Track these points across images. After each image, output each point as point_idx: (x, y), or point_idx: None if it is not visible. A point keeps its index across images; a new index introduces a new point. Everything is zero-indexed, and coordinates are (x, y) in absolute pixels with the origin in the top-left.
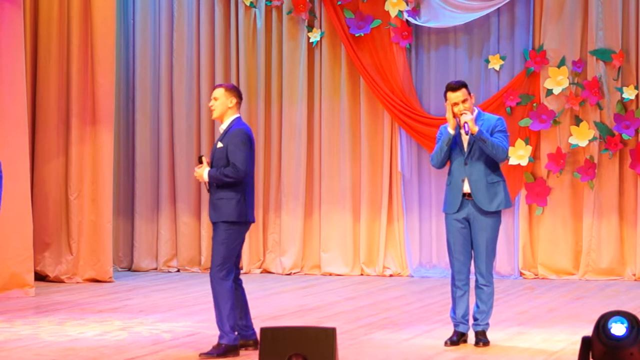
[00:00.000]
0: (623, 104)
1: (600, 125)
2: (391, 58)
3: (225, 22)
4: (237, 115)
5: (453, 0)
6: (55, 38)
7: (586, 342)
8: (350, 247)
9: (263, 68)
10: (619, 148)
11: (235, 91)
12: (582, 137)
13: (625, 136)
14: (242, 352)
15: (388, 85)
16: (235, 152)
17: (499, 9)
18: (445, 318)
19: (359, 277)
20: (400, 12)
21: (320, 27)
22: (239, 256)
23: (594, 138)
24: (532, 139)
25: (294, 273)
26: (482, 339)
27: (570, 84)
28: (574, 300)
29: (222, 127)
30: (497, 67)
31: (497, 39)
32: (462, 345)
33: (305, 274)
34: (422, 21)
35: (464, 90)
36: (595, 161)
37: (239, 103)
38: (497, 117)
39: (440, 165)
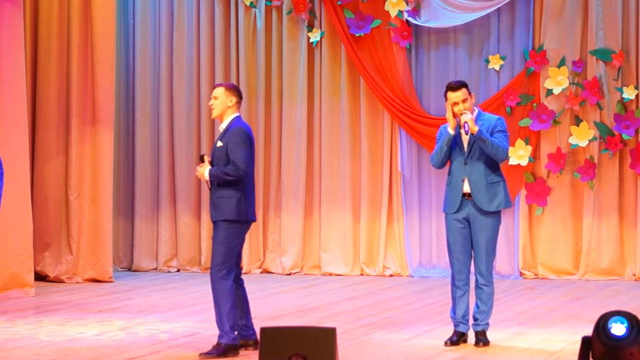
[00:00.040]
0: (623, 104)
1: (600, 125)
2: (391, 58)
3: (225, 22)
4: (237, 114)
5: (453, 0)
6: (55, 38)
7: (586, 342)
8: (350, 247)
9: (263, 68)
10: (619, 148)
11: (235, 90)
12: (582, 137)
13: (625, 136)
14: (242, 352)
15: (388, 85)
16: (236, 151)
17: (499, 9)
18: (445, 318)
19: (359, 277)
20: (400, 12)
21: (320, 27)
22: (239, 256)
23: (594, 138)
24: (532, 139)
25: (294, 273)
26: (482, 339)
27: (570, 84)
28: (574, 300)
29: (222, 126)
30: (497, 67)
31: (497, 39)
32: (462, 345)
33: (305, 274)
34: (422, 21)
35: (464, 90)
36: (595, 161)
37: (238, 102)
38: (497, 117)
39: (441, 166)
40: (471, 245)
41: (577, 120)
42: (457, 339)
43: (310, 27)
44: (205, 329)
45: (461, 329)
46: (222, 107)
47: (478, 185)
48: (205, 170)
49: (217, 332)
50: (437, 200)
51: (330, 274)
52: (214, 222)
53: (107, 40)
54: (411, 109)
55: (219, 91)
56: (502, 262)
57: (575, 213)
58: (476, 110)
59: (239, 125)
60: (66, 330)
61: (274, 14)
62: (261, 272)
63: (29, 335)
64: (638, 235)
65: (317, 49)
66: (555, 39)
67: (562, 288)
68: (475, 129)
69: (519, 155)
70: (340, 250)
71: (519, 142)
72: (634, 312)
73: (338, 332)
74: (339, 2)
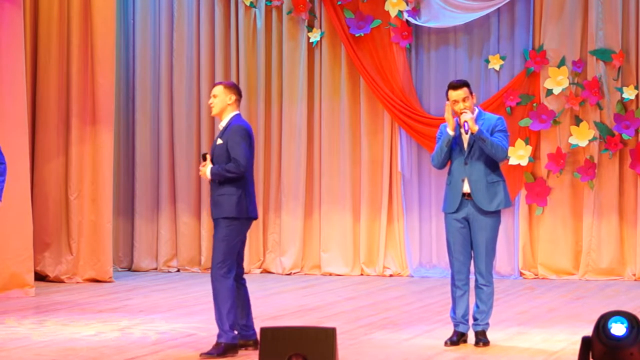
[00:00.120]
0: (623, 104)
1: (600, 125)
2: (391, 58)
3: (225, 22)
4: (237, 112)
5: (453, 0)
6: (55, 38)
7: (586, 342)
8: (350, 247)
9: (263, 68)
10: (619, 148)
11: (234, 88)
12: (582, 137)
13: (625, 136)
14: (242, 352)
15: (388, 85)
16: (236, 148)
17: (499, 9)
18: (445, 318)
19: (359, 277)
20: (400, 12)
21: (320, 27)
22: (241, 255)
23: (594, 138)
24: (532, 139)
25: (294, 273)
26: (482, 339)
27: (570, 84)
28: (574, 300)
29: (222, 124)
30: (497, 67)
31: (497, 39)
32: (462, 345)
33: (305, 274)
34: (422, 21)
35: (465, 89)
36: (595, 161)
37: (238, 100)
38: (498, 116)
39: (441, 166)
40: (471, 245)
41: (577, 120)
42: (457, 339)
43: (310, 27)
44: (205, 329)
45: (461, 329)
46: (222, 105)
47: (478, 185)
48: (207, 169)
49: (217, 331)
50: (437, 200)
51: (330, 274)
52: (215, 220)
53: (107, 40)
54: (411, 109)
55: (218, 89)
56: (502, 262)
57: (575, 213)
58: (477, 110)
59: (239, 122)
60: (66, 330)
61: (274, 14)
62: (261, 272)
63: (29, 335)
64: (638, 235)
65: (317, 49)
66: (555, 39)
67: (562, 288)
68: (475, 128)
69: (519, 155)
70: (340, 250)
71: (519, 142)
72: (634, 312)
73: (338, 332)
74: (339, 2)
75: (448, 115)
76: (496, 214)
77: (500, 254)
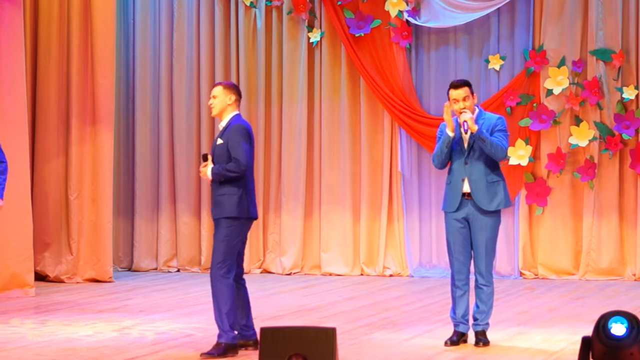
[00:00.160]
0: (623, 104)
1: (600, 125)
2: (391, 58)
3: (225, 22)
4: (237, 112)
5: (453, 0)
6: (55, 38)
7: (586, 342)
8: (350, 247)
9: (263, 68)
10: (619, 148)
11: (234, 88)
12: (582, 137)
13: (625, 136)
14: (242, 352)
15: (388, 85)
16: (236, 147)
17: (499, 9)
18: (445, 318)
19: (359, 277)
20: (400, 12)
21: (320, 27)
22: (241, 255)
23: (594, 138)
24: (532, 139)
25: (294, 273)
26: (482, 339)
27: (570, 84)
28: (574, 300)
29: (222, 124)
30: (497, 67)
31: (497, 39)
32: (462, 345)
33: (305, 274)
34: (422, 21)
35: (466, 88)
36: (595, 161)
37: (238, 100)
38: (498, 116)
39: (442, 166)
40: (471, 245)
41: (577, 120)
42: (457, 339)
43: (310, 27)
44: (205, 329)
45: (461, 329)
46: (222, 105)
47: (478, 185)
48: (208, 170)
49: (217, 331)
50: (437, 200)
51: (330, 274)
52: (216, 220)
53: (107, 40)
54: (411, 109)
55: (218, 90)
56: (502, 262)
57: (575, 213)
58: (477, 110)
59: (239, 122)
60: (66, 330)
61: (274, 14)
62: (261, 272)
63: (29, 335)
64: (638, 235)
65: (317, 49)
66: (555, 39)
67: (562, 288)
68: (475, 127)
69: (519, 155)
70: (340, 250)
71: (519, 142)
72: (634, 312)
73: (338, 332)
74: (339, 2)
75: (447, 116)
76: (496, 213)
77: (500, 254)
